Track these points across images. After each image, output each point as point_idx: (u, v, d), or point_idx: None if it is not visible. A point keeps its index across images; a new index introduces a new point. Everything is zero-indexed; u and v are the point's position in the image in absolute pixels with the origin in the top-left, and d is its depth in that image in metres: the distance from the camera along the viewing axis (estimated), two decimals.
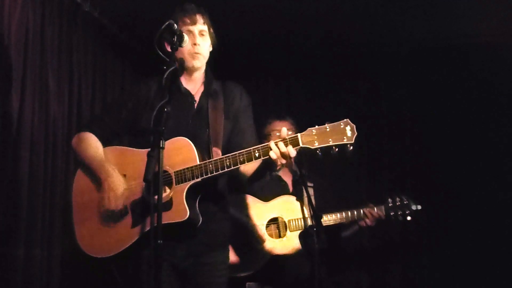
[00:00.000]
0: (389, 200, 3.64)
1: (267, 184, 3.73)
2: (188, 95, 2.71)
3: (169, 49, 2.59)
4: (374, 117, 5.26)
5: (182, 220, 2.43)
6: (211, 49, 2.77)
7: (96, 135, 2.73)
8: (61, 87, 3.79)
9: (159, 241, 2.08)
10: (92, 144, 2.70)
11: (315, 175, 4.01)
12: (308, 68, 5.27)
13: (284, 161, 2.38)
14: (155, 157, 2.13)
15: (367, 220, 3.63)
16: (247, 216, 3.66)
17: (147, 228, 2.45)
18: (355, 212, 3.63)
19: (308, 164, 3.90)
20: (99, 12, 4.17)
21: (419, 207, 3.62)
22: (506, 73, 4.74)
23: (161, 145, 2.16)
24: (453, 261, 4.74)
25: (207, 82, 2.75)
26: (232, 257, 3.34)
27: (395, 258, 5.01)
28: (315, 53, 5.01)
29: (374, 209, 3.62)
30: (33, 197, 3.42)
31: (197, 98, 2.72)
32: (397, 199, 3.63)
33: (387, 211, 3.62)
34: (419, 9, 4.19)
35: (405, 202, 3.61)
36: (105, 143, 2.73)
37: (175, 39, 2.48)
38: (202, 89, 2.75)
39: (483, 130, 4.89)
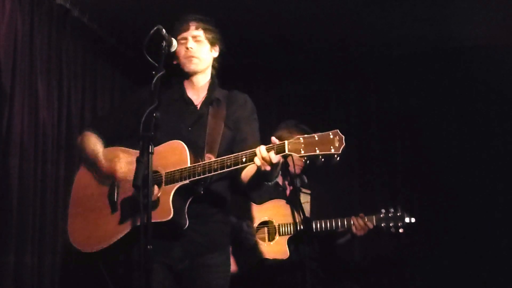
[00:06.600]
0: (382, 210, 3.59)
1: (265, 188, 3.72)
2: (190, 103, 2.78)
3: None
4: (368, 121, 5.25)
5: (165, 220, 2.44)
6: (215, 54, 2.84)
7: (99, 134, 2.81)
8: (51, 93, 3.78)
9: (149, 246, 2.08)
10: (92, 141, 2.79)
11: (314, 182, 4.00)
12: (299, 72, 5.28)
13: (268, 168, 2.35)
14: (143, 163, 2.15)
15: (356, 230, 3.58)
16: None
17: (133, 226, 2.52)
18: (345, 221, 3.59)
19: (308, 172, 3.92)
20: (88, 17, 4.17)
21: (413, 220, 3.56)
22: (501, 76, 4.74)
23: (150, 151, 2.17)
24: (447, 274, 4.68)
25: (210, 90, 2.82)
26: (233, 266, 3.33)
27: (388, 272, 4.95)
28: (307, 56, 5.04)
29: (364, 219, 3.57)
30: (23, 204, 3.41)
31: (198, 106, 2.78)
32: (391, 210, 3.57)
33: (379, 221, 3.57)
34: (413, 12, 4.21)
35: (398, 214, 3.54)
36: (109, 144, 2.80)
37: (164, 44, 2.50)
38: (205, 97, 2.81)
39: (480, 135, 4.84)
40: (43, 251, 3.57)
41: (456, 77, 4.95)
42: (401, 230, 3.54)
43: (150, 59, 2.42)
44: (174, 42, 2.58)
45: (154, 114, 2.23)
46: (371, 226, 3.57)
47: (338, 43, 4.78)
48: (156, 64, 2.41)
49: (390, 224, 3.55)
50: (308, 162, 2.36)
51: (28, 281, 3.41)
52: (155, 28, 2.45)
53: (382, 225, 3.56)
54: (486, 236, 4.61)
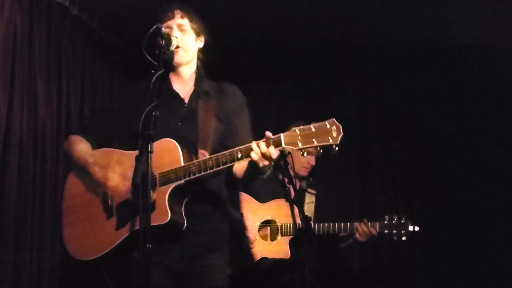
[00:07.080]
0: (386, 217, 3.54)
1: (270, 186, 3.70)
2: (177, 97, 2.68)
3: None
4: (368, 121, 5.27)
5: (163, 222, 2.37)
6: (200, 44, 2.73)
7: (89, 139, 2.72)
8: (50, 91, 3.77)
9: (148, 245, 2.05)
10: (80, 144, 2.69)
11: (320, 184, 3.99)
12: (298, 70, 5.28)
13: (266, 163, 2.30)
14: (142, 161, 2.12)
15: (358, 235, 3.56)
16: (241, 214, 3.65)
17: (132, 230, 2.45)
18: (348, 225, 3.56)
19: (315, 172, 3.92)
20: (87, 15, 4.16)
21: (417, 228, 3.49)
22: (501, 75, 4.74)
23: (149, 149, 2.15)
24: (447, 275, 4.68)
25: (197, 83, 2.72)
26: None
27: (387, 273, 4.95)
28: (307, 56, 5.03)
29: (368, 225, 3.54)
30: (22, 201, 3.40)
31: (186, 100, 2.68)
32: (394, 217, 3.52)
33: (382, 228, 3.53)
34: (413, 11, 4.20)
35: (402, 222, 3.49)
36: (99, 146, 2.71)
37: (163, 42, 2.47)
38: (193, 90, 2.72)
39: (479, 134, 4.84)
40: (42, 249, 3.56)
41: (456, 76, 4.95)
42: (404, 238, 3.49)
43: (149, 57, 2.40)
44: (174, 41, 2.53)
45: (154, 113, 2.21)
46: (374, 232, 3.54)
47: (337, 43, 4.77)
48: (155, 63, 2.38)
49: (394, 232, 3.50)
50: (305, 154, 2.32)
51: (27, 279, 3.41)
52: (155, 26, 2.43)
53: (385, 232, 3.52)
54: (486, 236, 4.63)
